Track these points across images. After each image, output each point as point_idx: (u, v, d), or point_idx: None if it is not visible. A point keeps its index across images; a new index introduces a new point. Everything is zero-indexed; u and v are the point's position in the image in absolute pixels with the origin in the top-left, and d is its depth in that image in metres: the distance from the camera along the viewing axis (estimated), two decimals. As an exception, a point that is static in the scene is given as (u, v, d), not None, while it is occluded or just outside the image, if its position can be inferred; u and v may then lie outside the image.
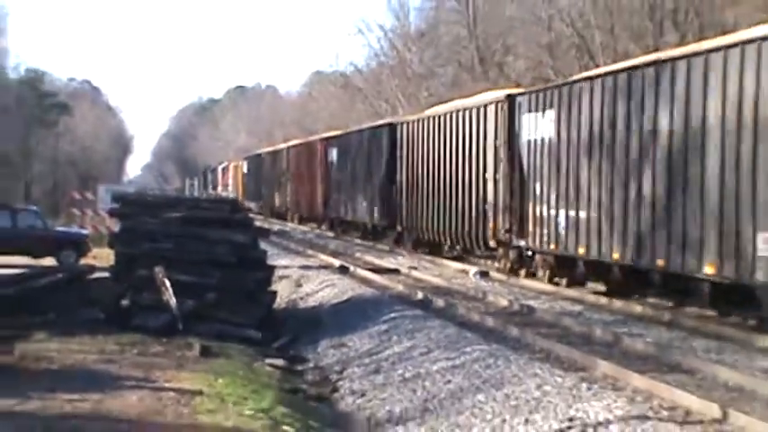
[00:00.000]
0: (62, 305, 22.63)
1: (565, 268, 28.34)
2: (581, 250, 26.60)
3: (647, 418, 13.28)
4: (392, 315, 24.00)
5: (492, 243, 33.28)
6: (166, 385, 15.73)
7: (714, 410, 13.42)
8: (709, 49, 21.61)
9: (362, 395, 17.85)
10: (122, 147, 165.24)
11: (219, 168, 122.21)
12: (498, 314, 23.44)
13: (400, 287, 29.36)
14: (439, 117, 39.67)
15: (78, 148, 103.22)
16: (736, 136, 20.02)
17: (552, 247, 28.49)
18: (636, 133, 24.01)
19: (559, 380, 15.83)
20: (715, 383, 15.52)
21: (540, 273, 29.70)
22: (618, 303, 24.60)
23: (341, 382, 19.15)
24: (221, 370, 17.43)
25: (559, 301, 25.81)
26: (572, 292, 26.97)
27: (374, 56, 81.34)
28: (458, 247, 38.67)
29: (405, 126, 44.16)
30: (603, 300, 25.37)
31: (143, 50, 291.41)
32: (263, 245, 27.27)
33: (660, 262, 22.85)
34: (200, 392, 15.19)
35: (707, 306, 22.45)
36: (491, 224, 32.95)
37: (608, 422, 13.33)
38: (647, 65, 24.21)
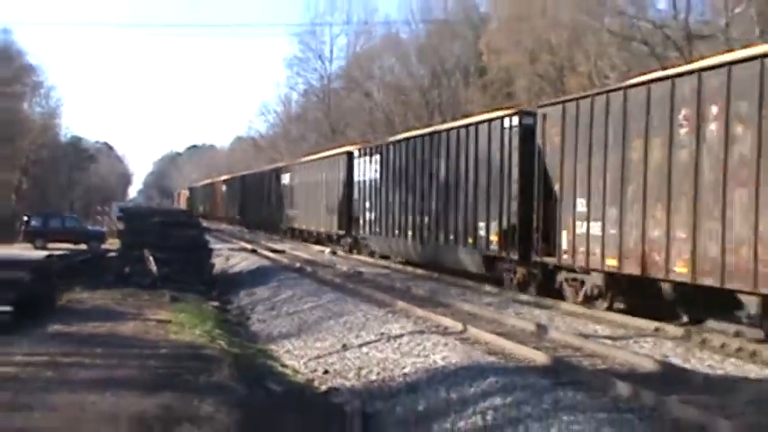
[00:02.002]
0: (90, 272, 22.07)
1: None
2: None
3: (423, 332, 13.39)
4: (281, 277, 23.88)
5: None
6: (151, 317, 15.35)
7: (459, 326, 13.61)
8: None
9: (264, 322, 17.67)
10: (126, 180, 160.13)
11: (176, 193, 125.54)
12: (341, 275, 23.39)
13: (286, 260, 29.11)
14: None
15: (100, 180, 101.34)
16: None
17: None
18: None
19: (376, 312, 15.90)
20: (461, 312, 15.70)
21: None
22: (409, 269, 24.78)
23: (252, 315, 18.92)
24: (182, 309, 17.05)
25: (376, 267, 25.86)
26: (383, 263, 27.11)
27: (271, 126, 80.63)
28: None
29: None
30: (401, 267, 25.53)
31: (137, 122, 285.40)
32: (206, 236, 26.88)
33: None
34: (170, 321, 14.85)
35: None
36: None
37: (402, 335, 13.41)
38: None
